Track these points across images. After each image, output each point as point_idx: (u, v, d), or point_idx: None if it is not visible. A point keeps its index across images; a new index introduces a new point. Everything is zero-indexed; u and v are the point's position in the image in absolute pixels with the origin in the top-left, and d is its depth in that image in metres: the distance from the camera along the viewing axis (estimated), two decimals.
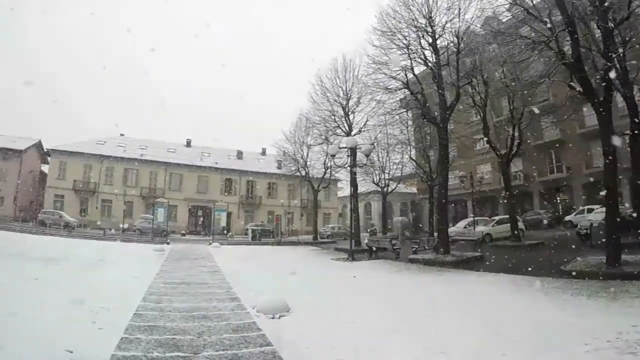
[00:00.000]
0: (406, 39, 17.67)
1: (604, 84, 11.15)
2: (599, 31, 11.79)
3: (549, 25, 11.87)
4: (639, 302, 7.25)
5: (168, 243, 26.08)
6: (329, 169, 34.05)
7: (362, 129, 28.38)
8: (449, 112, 17.56)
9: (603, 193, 11.04)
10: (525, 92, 18.45)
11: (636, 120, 13.73)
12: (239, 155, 55.45)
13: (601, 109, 11.04)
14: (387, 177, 35.82)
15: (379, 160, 34.20)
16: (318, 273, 14.31)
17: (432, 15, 17.04)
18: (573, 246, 15.53)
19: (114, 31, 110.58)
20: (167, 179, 48.01)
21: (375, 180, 35.62)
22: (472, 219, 26.66)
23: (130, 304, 7.44)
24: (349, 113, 28.12)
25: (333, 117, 28.60)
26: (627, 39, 13.58)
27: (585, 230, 17.09)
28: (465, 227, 25.84)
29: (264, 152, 56.42)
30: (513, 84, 18.06)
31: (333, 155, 22.63)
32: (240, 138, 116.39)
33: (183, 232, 42.13)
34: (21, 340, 4.90)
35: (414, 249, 17.80)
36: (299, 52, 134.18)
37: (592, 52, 12.74)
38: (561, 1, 10.96)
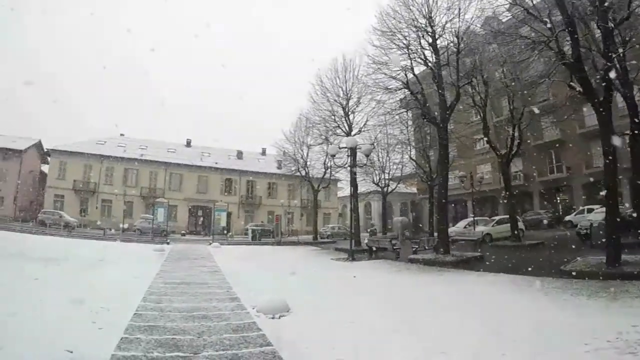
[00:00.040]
0: (406, 39, 17.68)
1: (604, 84, 11.15)
2: (599, 31, 11.79)
3: (549, 25, 11.86)
4: (639, 302, 7.25)
5: (168, 243, 26.08)
6: (329, 169, 34.05)
7: (362, 129, 28.42)
8: (449, 112, 17.56)
9: (603, 193, 11.02)
10: (525, 92, 18.45)
11: (636, 120, 13.72)
12: (239, 155, 55.45)
13: (601, 109, 11.04)
14: (387, 177, 35.82)
15: (379, 160, 34.20)
16: (318, 273, 14.31)
17: (432, 15, 17.05)
18: (573, 246, 15.52)
19: (114, 31, 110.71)
20: (167, 179, 48.01)
21: (375, 180, 35.61)
22: (472, 219, 26.66)
23: (130, 304, 7.44)
24: (349, 113, 28.13)
25: (333, 117, 28.61)
26: (627, 39, 13.58)
27: (585, 230, 17.09)
28: (465, 227, 25.84)
29: (264, 152, 56.43)
30: (513, 84, 18.07)
31: (333, 155, 22.63)
32: (240, 138, 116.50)
33: (183, 232, 42.14)
34: (21, 340, 4.90)
35: (414, 249, 17.80)
36: (299, 52, 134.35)
37: (592, 52, 12.74)
38: (561, 1, 10.96)
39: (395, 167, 35.52)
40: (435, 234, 21.20)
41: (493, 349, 5.04)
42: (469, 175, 28.88)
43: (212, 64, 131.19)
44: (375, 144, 29.67)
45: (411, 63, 18.00)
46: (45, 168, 48.07)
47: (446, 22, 16.98)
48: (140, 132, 78.42)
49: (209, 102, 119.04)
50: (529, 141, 29.02)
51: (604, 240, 11.01)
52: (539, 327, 5.97)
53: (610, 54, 11.16)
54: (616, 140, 10.98)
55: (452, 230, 22.73)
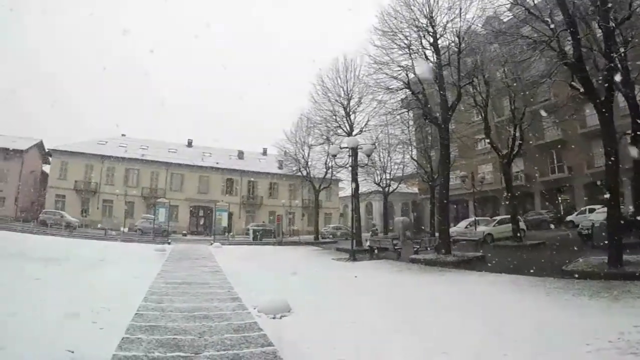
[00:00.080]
0: (407, 39, 17.68)
1: (605, 85, 11.14)
2: (600, 31, 11.77)
3: (550, 25, 11.84)
4: None
5: (169, 243, 26.09)
6: (330, 169, 34.02)
7: (364, 129, 28.42)
8: (450, 112, 17.55)
9: (608, 196, 10.97)
10: (527, 92, 18.41)
11: (638, 121, 13.68)
12: (240, 155, 55.45)
13: (603, 109, 11.03)
14: (388, 177, 35.77)
15: (380, 160, 34.12)
16: (319, 273, 14.31)
17: (433, 15, 17.04)
18: (575, 246, 15.48)
19: (114, 31, 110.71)
20: (168, 179, 48.02)
21: (376, 180, 35.56)
22: (473, 219, 26.63)
23: (131, 303, 7.44)
24: (350, 113, 28.12)
25: (334, 117, 28.59)
26: (628, 38, 13.55)
27: (586, 231, 17.06)
28: (466, 227, 25.79)
29: (265, 152, 56.47)
30: (515, 84, 18.03)
31: (334, 155, 22.64)
32: (241, 138, 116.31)
33: (184, 232, 42.15)
34: (22, 340, 4.90)
35: (415, 249, 17.79)
36: (299, 52, 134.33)
37: (594, 52, 12.73)
38: (562, 1, 10.94)
39: (396, 167, 35.41)
40: (437, 234, 21.20)
41: (494, 349, 5.03)
42: (470, 176, 28.82)
43: (213, 64, 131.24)
44: (376, 144, 29.61)
45: (412, 63, 18.01)
46: (46, 168, 48.11)
47: (447, 22, 17.00)
48: (141, 132, 78.47)
49: (209, 102, 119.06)
50: (531, 142, 29.04)
51: (606, 242, 10.98)
52: (541, 327, 5.96)
53: (611, 54, 11.14)
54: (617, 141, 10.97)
55: (453, 230, 22.70)
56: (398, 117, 25.32)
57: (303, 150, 35.09)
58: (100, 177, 44.91)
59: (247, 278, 11.82)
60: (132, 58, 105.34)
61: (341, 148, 21.56)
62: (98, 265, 13.47)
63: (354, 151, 20.48)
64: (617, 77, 12.10)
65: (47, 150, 46.49)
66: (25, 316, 6.00)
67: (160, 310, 7.24)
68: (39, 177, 48.08)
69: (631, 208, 16.10)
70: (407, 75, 18.26)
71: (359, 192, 27.25)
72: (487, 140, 21.78)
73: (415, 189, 47.12)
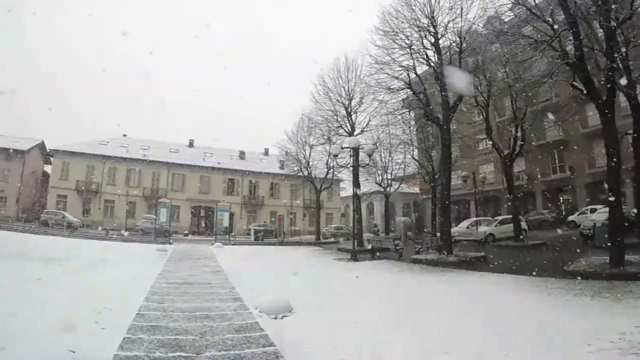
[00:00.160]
0: (408, 39, 17.69)
1: (608, 85, 11.12)
2: (601, 31, 11.75)
3: (552, 25, 11.82)
4: None
5: (171, 243, 26.10)
6: (332, 169, 34.01)
7: (365, 129, 28.40)
8: (451, 112, 17.53)
9: (610, 196, 10.94)
10: (528, 92, 18.39)
11: None
12: (242, 155, 55.45)
13: (604, 109, 11.01)
14: (389, 177, 35.79)
15: (381, 160, 34.23)
16: (320, 273, 14.30)
17: (435, 15, 17.05)
18: (576, 246, 15.46)
19: (115, 32, 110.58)
20: (169, 179, 48.02)
21: (377, 180, 35.59)
22: (475, 219, 26.62)
23: (132, 304, 7.45)
24: (352, 113, 28.11)
25: (335, 117, 28.58)
26: (630, 38, 13.52)
27: (588, 231, 17.06)
28: (468, 227, 25.80)
29: (266, 152, 56.49)
30: (517, 85, 18.00)
31: (335, 155, 22.66)
32: (242, 138, 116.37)
33: (185, 232, 42.12)
34: (23, 340, 4.91)
35: (416, 249, 17.79)
36: (300, 52, 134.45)
37: (595, 52, 12.70)
38: (563, 0, 10.93)
39: (397, 167, 35.52)
40: (438, 234, 21.17)
41: (496, 349, 5.02)
42: (472, 176, 28.83)
43: (213, 64, 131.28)
44: (377, 144, 29.64)
45: (413, 63, 18.03)
46: (48, 168, 48.10)
47: (448, 22, 17.02)
48: (142, 132, 78.85)
49: (210, 102, 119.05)
50: (532, 143, 29.07)
51: (608, 244, 10.94)
52: (542, 327, 5.96)
53: (613, 54, 11.12)
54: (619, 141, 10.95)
55: (454, 230, 22.71)
56: (399, 117, 25.31)
57: (304, 150, 35.11)
58: (101, 178, 44.93)
59: (249, 278, 11.82)
60: (133, 58, 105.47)
61: (342, 148, 21.56)
62: (99, 265, 13.47)
63: (356, 151, 20.49)
64: (623, 81, 12.10)
65: (48, 151, 46.52)
66: (27, 316, 6.01)
67: (162, 311, 7.24)
68: (41, 178, 48.10)
69: (635, 211, 16.11)
70: (408, 75, 18.27)
71: (360, 192, 27.25)
72: (489, 140, 21.78)
73: (417, 189, 47.09)
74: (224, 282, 11.08)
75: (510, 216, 22.27)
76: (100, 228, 36.44)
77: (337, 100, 28.32)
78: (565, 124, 27.11)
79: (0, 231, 24.52)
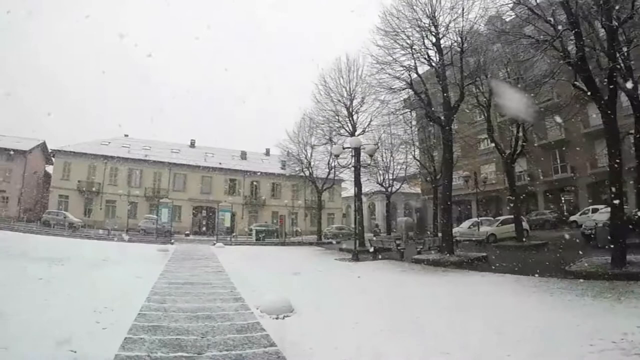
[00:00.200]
0: (410, 39, 17.66)
1: (610, 86, 11.10)
2: (603, 30, 11.72)
3: (554, 25, 11.80)
4: None
5: (172, 243, 26.14)
6: (333, 170, 33.95)
7: (366, 129, 28.36)
8: (453, 112, 17.51)
9: (614, 199, 10.90)
10: (531, 92, 18.35)
11: None
12: (243, 155, 55.49)
13: (606, 109, 10.99)
14: (391, 178, 35.74)
15: (382, 160, 34.12)
16: (322, 273, 14.30)
17: (436, 14, 17.04)
18: (578, 247, 15.43)
19: (117, 33, 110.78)
20: (171, 179, 48.05)
21: (379, 180, 35.53)
22: (476, 219, 26.59)
23: (134, 304, 7.45)
24: (353, 113, 28.07)
25: (337, 117, 28.52)
26: (631, 38, 13.49)
27: (590, 231, 17.02)
28: (469, 228, 25.80)
29: (267, 153, 56.48)
30: (519, 85, 17.97)
31: (337, 156, 22.66)
32: (244, 138, 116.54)
33: (187, 232, 42.07)
34: (25, 340, 4.92)
35: (418, 250, 17.80)
36: (301, 53, 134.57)
37: (597, 52, 12.67)
38: (565, 0, 10.91)
39: (399, 167, 35.42)
40: (440, 235, 21.14)
41: (497, 349, 5.02)
42: (473, 176, 28.81)
43: (214, 65, 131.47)
44: (379, 144, 29.52)
45: (415, 63, 18.01)
46: (49, 169, 48.20)
47: (450, 22, 16.99)
48: (143, 132, 78.84)
49: (211, 102, 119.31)
50: (535, 144, 29.04)
51: (611, 245, 10.90)
52: (544, 327, 5.96)
53: (615, 53, 11.10)
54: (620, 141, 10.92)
55: (456, 230, 22.70)
56: (401, 117, 25.26)
57: (306, 151, 34.99)
58: (103, 178, 44.98)
59: (250, 278, 11.81)
60: (135, 59, 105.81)
61: (344, 148, 21.53)
62: (101, 265, 13.50)
63: (357, 151, 20.44)
64: (629, 84, 12.08)
65: (50, 151, 46.62)
66: (28, 316, 6.02)
67: (163, 311, 7.24)
68: (42, 178, 48.19)
69: (637, 211, 16.08)
70: (409, 75, 18.26)
71: (362, 192, 27.23)
72: (490, 141, 21.75)
73: (418, 189, 47.05)
74: (225, 282, 11.08)
75: (512, 216, 22.22)
76: (101, 231, 36.52)
77: (339, 100, 28.26)
78: (567, 124, 27.06)
79: (2, 231, 24.61)
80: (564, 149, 30.92)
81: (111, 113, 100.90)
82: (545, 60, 14.44)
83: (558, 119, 24.49)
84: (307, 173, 35.16)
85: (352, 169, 26.89)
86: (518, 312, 7.26)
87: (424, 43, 17.60)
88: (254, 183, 51.95)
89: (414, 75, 18.24)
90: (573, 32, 11.10)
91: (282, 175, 48.24)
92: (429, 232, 32.49)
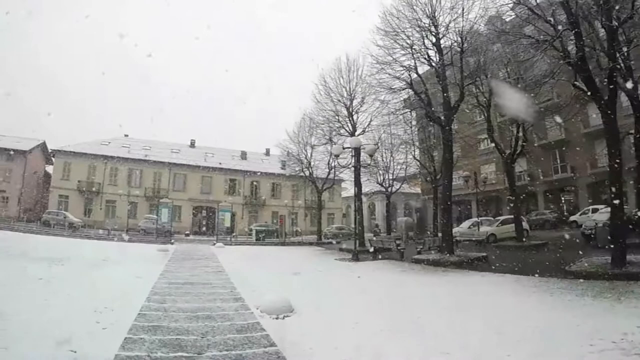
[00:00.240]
0: (410, 39, 17.66)
1: (610, 86, 11.09)
2: (603, 30, 11.72)
3: (556, 26, 11.79)
4: None
5: (172, 243, 26.14)
6: (333, 170, 33.94)
7: (366, 129, 28.35)
8: (453, 112, 17.51)
9: (614, 199, 10.89)
10: (531, 92, 18.34)
11: None
12: (243, 155, 55.48)
13: (606, 109, 10.99)
14: (391, 178, 35.72)
15: (383, 160, 34.10)
16: (322, 273, 14.30)
17: (436, 14, 17.03)
18: (578, 247, 15.42)
19: (117, 33, 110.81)
20: (171, 179, 48.05)
21: (379, 180, 35.52)
22: (476, 219, 26.59)
23: (134, 304, 7.45)
24: (353, 113, 28.06)
25: (337, 117, 28.51)
26: (631, 38, 13.48)
27: (590, 231, 17.02)
28: (469, 228, 25.79)
29: (267, 153, 56.47)
30: (519, 85, 17.96)
31: (337, 156, 22.65)
32: (244, 138, 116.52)
33: (187, 232, 42.04)
34: (25, 340, 4.92)
35: (418, 250, 17.80)
36: (300, 53, 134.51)
37: (596, 52, 12.67)
38: (565, 0, 10.91)
39: (399, 167, 35.41)
40: (440, 235, 21.14)
41: (497, 349, 5.02)
42: (473, 176, 28.80)
43: (214, 65, 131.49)
44: (379, 144, 29.52)
45: (415, 63, 18.01)
46: (49, 169, 48.20)
47: (450, 22, 16.98)
48: (143, 132, 78.79)
49: (211, 102, 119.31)
50: (535, 144, 29.02)
51: (611, 245, 10.90)
52: (544, 327, 5.95)
53: (615, 53, 11.10)
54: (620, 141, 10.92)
55: (456, 230, 22.70)
56: (401, 117, 25.25)
57: (306, 151, 34.96)
58: (103, 178, 44.98)
59: (250, 278, 11.81)
60: (135, 59, 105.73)
61: (344, 148, 21.52)
62: (101, 265, 13.50)
63: (357, 151, 20.43)
64: (629, 84, 12.07)
65: (50, 151, 46.61)
66: (28, 316, 6.02)
67: (163, 311, 7.24)
68: (42, 178, 48.19)
69: (637, 211, 16.07)
70: (409, 75, 18.26)
71: (362, 192, 27.22)
72: (490, 141, 21.74)
73: (418, 189, 47.05)
74: (225, 282, 11.08)
75: (512, 216, 22.21)
76: (101, 231, 36.52)
77: (339, 100, 28.24)
78: (567, 124, 27.05)
79: (2, 231, 24.61)
80: (564, 149, 30.89)
81: (111, 113, 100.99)
82: (545, 60, 14.43)
83: (558, 119, 24.48)
84: (307, 173, 35.14)
85: (352, 169, 26.89)
86: (518, 312, 7.26)
87: (424, 43, 17.61)
88: (254, 183, 51.94)
89: (414, 75, 18.24)
90: (573, 32, 11.10)
91: (282, 175, 48.23)
92: (429, 232, 32.49)
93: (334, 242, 33.83)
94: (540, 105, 21.82)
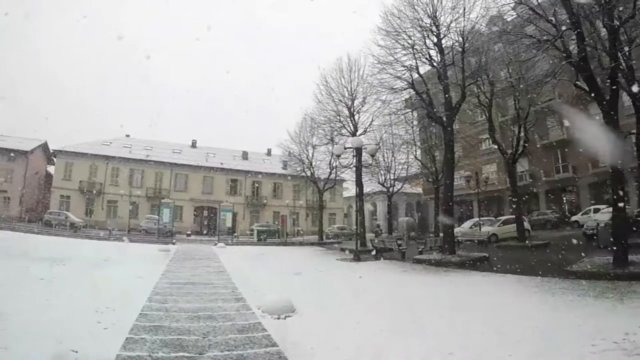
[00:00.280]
0: (411, 39, 17.64)
1: (613, 87, 11.07)
2: (604, 30, 11.70)
3: (557, 25, 11.77)
4: None
5: (173, 243, 26.15)
6: (335, 170, 33.95)
7: (368, 129, 28.38)
8: (454, 112, 17.49)
9: (616, 199, 10.87)
10: (531, 91, 18.32)
11: None
12: (244, 155, 55.48)
13: (608, 109, 10.97)
14: (392, 178, 35.71)
15: (384, 160, 34.11)
16: (323, 273, 14.29)
17: (437, 14, 17.02)
18: (580, 247, 15.41)
19: (118, 33, 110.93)
20: (172, 179, 48.07)
21: (380, 180, 35.52)
22: (477, 219, 26.56)
23: (135, 304, 7.46)
24: (354, 113, 28.08)
25: (338, 117, 28.54)
26: (633, 37, 13.46)
27: (591, 231, 17.00)
28: (471, 228, 25.77)
29: (269, 153, 56.48)
30: (521, 86, 17.94)
31: (338, 156, 22.59)
32: (245, 139, 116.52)
33: (188, 232, 42.05)
34: (26, 340, 4.92)
35: (419, 250, 17.77)
36: (301, 53, 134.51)
37: (598, 51, 12.64)
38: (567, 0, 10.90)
39: (400, 167, 35.42)
40: (441, 235, 21.12)
41: (499, 349, 5.01)
42: (475, 176, 28.76)
43: (215, 65, 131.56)
44: (380, 144, 29.52)
45: (416, 63, 17.99)
46: (51, 169, 48.26)
47: (451, 22, 16.96)
48: (145, 133, 78.93)
49: (212, 103, 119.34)
50: (537, 145, 28.97)
51: (613, 246, 10.86)
52: (545, 327, 5.94)
53: (616, 53, 11.07)
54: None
55: (457, 230, 22.68)
56: (402, 117, 25.26)
57: (307, 151, 35.00)
58: (104, 178, 45.02)
59: (251, 278, 11.82)
60: (136, 60, 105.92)
61: (345, 148, 21.49)
62: (102, 265, 13.50)
63: (358, 151, 20.41)
64: (635, 88, 12.05)
65: (51, 151, 46.62)
66: (29, 316, 6.03)
67: (164, 311, 7.25)
68: (44, 178, 48.25)
69: (639, 210, 16.05)
70: (411, 75, 18.25)
71: (363, 192, 27.21)
72: (492, 141, 21.72)
73: (420, 189, 47.06)
74: (226, 282, 11.08)
75: (513, 216, 22.18)
76: (102, 231, 36.53)
77: (340, 101, 28.27)
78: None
79: (4, 231, 24.64)
80: (565, 149, 30.84)
81: (112, 113, 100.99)
82: (546, 60, 14.41)
83: (559, 118, 24.44)
84: (308, 173, 35.19)
85: (354, 169, 26.83)
86: (519, 312, 7.24)
87: (425, 43, 17.59)
88: (256, 183, 51.93)
89: (416, 75, 18.24)
90: (575, 31, 11.07)
91: (284, 176, 48.34)
92: (430, 232, 32.50)
93: (335, 242, 33.85)
94: (542, 105, 21.78)
